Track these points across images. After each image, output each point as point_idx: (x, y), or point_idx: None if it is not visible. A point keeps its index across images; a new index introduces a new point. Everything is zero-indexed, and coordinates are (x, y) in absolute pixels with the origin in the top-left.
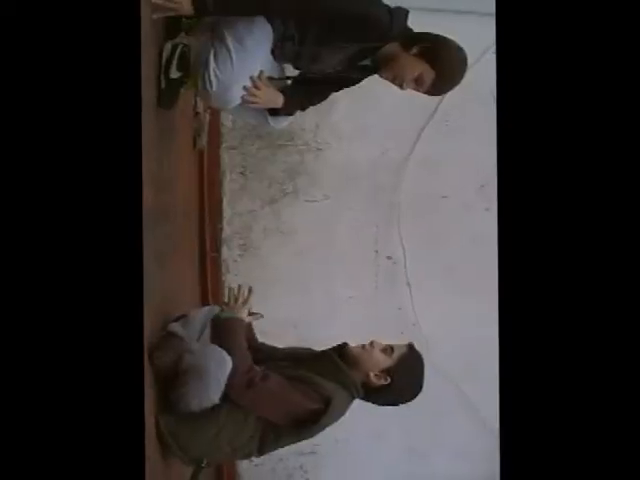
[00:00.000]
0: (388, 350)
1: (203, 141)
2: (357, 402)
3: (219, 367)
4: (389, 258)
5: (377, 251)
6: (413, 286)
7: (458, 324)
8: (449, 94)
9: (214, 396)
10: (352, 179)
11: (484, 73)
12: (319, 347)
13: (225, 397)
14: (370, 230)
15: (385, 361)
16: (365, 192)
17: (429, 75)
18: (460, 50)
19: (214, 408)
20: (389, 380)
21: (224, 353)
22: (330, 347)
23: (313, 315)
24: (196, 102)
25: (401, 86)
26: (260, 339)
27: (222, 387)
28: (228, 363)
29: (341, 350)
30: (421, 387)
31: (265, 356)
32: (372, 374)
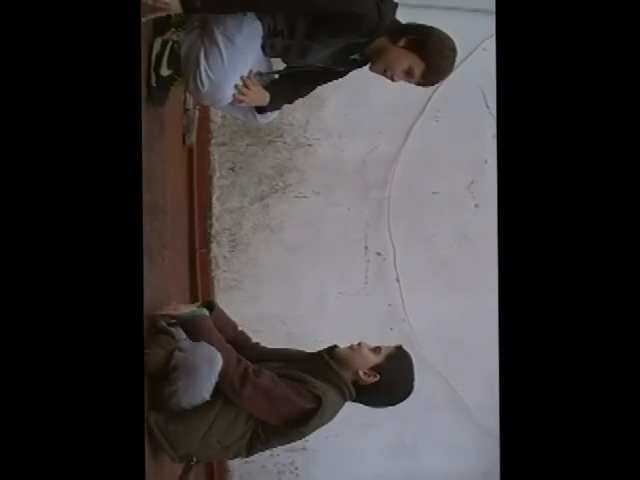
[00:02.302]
0: (376, 349)
1: (192, 138)
2: None
3: (210, 364)
4: (379, 254)
5: (367, 247)
6: (403, 282)
7: (448, 320)
8: (439, 91)
9: (205, 393)
10: (342, 175)
11: (473, 70)
12: (309, 343)
13: (216, 394)
14: (360, 226)
15: (373, 359)
16: (355, 188)
17: (419, 66)
18: (448, 39)
19: (205, 406)
20: (378, 377)
21: (214, 350)
22: (320, 349)
23: (302, 311)
24: (185, 98)
25: (392, 78)
26: (251, 336)
27: (213, 384)
28: (219, 360)
29: (330, 352)
30: (412, 386)
31: (257, 356)
32: (361, 372)
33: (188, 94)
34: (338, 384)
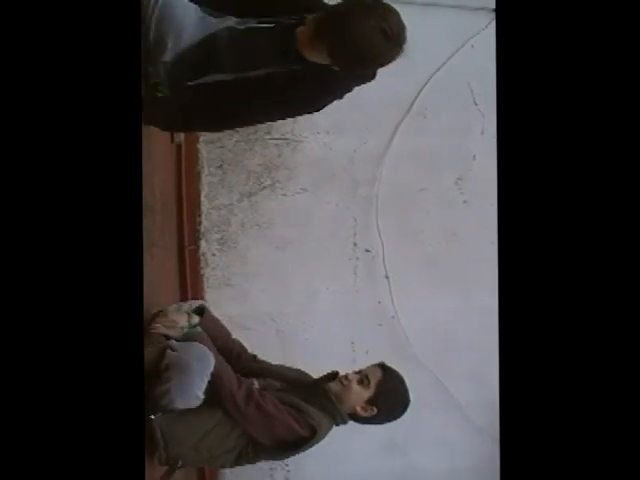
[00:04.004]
0: (364, 380)
1: (181, 135)
2: None
3: (202, 363)
4: (367, 251)
5: (355, 244)
6: (392, 279)
7: (437, 317)
8: (426, 87)
9: (198, 392)
10: (330, 172)
11: (461, 66)
12: (298, 341)
13: (216, 403)
14: (348, 223)
15: (365, 393)
16: (343, 185)
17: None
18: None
19: (207, 413)
20: (376, 410)
21: (206, 349)
22: (321, 377)
23: (292, 308)
24: None
25: None
26: (240, 334)
27: (205, 383)
28: (211, 358)
29: (328, 381)
30: (409, 401)
31: (259, 370)
32: (358, 407)
33: None
34: (333, 413)
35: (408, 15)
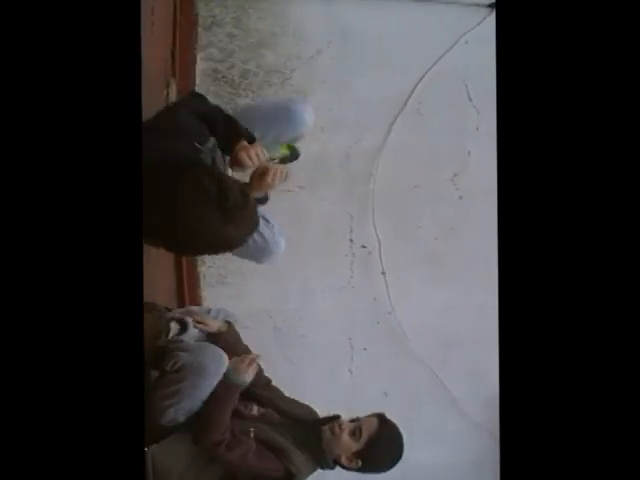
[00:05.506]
0: (357, 432)
1: None
2: (336, 392)
3: (217, 366)
4: (364, 247)
5: (352, 240)
6: (388, 275)
7: (434, 312)
8: (421, 84)
9: (207, 394)
10: (326, 169)
11: (455, 62)
12: (295, 338)
13: None
14: (344, 219)
15: (354, 445)
16: (339, 182)
17: None
18: None
19: (189, 441)
20: (360, 464)
21: (221, 351)
22: (324, 418)
23: (288, 305)
24: (168, 94)
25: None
26: (238, 330)
27: (214, 385)
28: (225, 362)
29: (323, 425)
30: (400, 456)
31: (264, 399)
32: (344, 457)
33: (170, 92)
34: (319, 459)
35: (402, 11)
